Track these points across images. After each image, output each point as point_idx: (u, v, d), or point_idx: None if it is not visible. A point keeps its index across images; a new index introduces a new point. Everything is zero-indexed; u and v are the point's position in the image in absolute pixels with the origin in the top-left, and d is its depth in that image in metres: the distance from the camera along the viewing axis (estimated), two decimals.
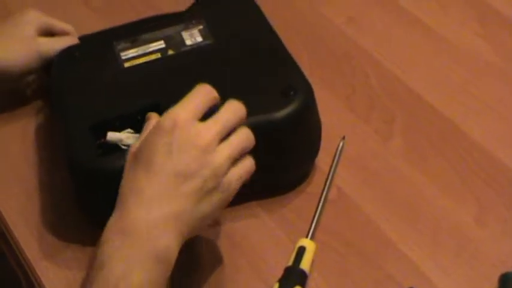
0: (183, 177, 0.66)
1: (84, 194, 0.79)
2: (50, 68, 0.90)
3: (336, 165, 0.85)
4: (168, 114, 0.68)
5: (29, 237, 0.81)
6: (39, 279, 0.77)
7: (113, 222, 0.66)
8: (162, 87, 0.81)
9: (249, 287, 0.76)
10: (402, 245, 0.78)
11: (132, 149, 0.69)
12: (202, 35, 0.86)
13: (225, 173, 0.68)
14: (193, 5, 0.92)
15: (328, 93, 0.92)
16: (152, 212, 0.65)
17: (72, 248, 0.80)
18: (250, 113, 0.74)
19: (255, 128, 0.74)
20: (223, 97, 0.74)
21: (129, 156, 0.69)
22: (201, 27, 0.87)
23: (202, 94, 0.70)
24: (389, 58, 0.99)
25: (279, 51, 0.84)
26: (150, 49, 0.85)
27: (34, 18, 0.92)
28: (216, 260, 0.78)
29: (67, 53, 0.89)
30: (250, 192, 0.81)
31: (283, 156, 0.80)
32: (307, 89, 0.80)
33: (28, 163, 0.88)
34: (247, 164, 0.70)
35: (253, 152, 0.76)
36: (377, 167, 0.86)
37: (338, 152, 0.86)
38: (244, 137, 0.70)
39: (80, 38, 0.92)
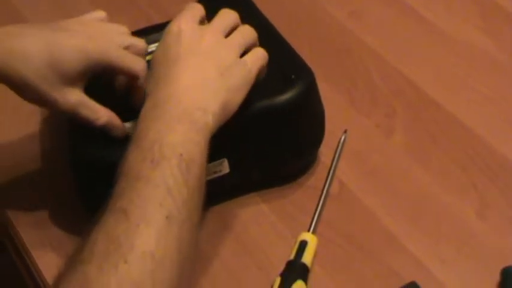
0: (201, 56, 0.71)
1: (87, 185, 0.79)
2: None
3: (338, 159, 0.85)
4: (172, 23, 0.73)
5: (31, 229, 0.81)
6: (39, 271, 0.77)
7: (143, 109, 0.68)
8: None
9: (250, 280, 0.76)
10: (404, 239, 0.78)
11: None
12: None
13: (239, 54, 0.73)
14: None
15: (330, 87, 0.92)
16: (177, 82, 0.69)
17: (75, 240, 0.79)
18: (253, 100, 0.75)
19: (259, 114, 0.76)
20: None
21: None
22: None
23: (192, 6, 0.76)
24: (391, 52, 0.98)
25: (277, 42, 0.85)
26: (151, 49, 0.85)
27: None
28: (217, 254, 0.78)
29: None
30: (255, 181, 0.82)
31: (288, 142, 0.80)
32: (308, 73, 0.81)
33: (31, 156, 0.88)
34: (260, 51, 0.76)
35: (258, 138, 0.76)
36: (379, 161, 0.86)
37: (340, 146, 0.86)
38: (247, 29, 0.76)
39: None
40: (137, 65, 0.73)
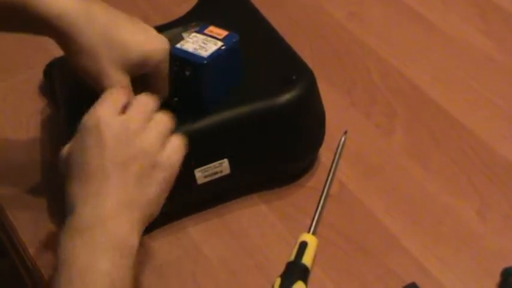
0: (120, 166, 0.67)
1: None
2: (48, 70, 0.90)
3: (338, 160, 0.85)
4: (90, 114, 0.69)
5: (30, 230, 0.81)
6: (39, 271, 0.77)
7: (66, 226, 0.66)
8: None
9: (250, 281, 0.76)
10: (404, 239, 0.78)
11: (64, 153, 0.70)
12: None
13: (159, 151, 0.69)
14: (193, 9, 0.92)
15: (330, 87, 0.92)
16: (102, 206, 0.66)
17: None
18: (254, 100, 0.75)
19: (260, 115, 0.76)
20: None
21: (61, 161, 0.70)
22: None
23: (115, 92, 0.71)
24: (391, 53, 0.98)
25: (277, 43, 0.85)
26: None
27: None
28: (217, 254, 0.78)
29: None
30: (256, 182, 0.82)
31: (290, 142, 0.80)
32: (308, 74, 0.81)
33: (31, 158, 0.88)
34: (176, 143, 0.71)
35: (259, 139, 0.75)
36: (379, 161, 0.86)
37: (340, 147, 0.86)
38: (165, 117, 0.71)
39: None
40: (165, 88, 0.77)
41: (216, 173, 0.78)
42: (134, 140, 0.68)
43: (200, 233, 0.80)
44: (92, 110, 0.69)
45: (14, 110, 0.93)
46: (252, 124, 0.77)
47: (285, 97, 0.78)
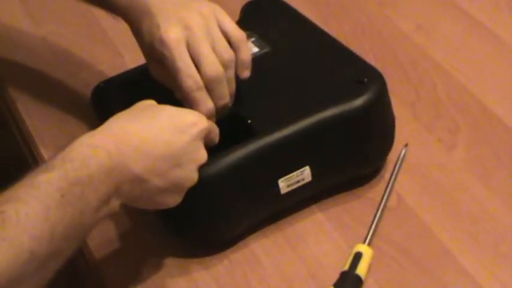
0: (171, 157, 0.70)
1: None
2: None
3: (397, 172, 0.84)
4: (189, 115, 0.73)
5: None
6: None
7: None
8: (238, 96, 0.80)
9: None
10: (461, 257, 0.77)
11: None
12: (257, 46, 0.87)
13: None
14: (238, 21, 0.92)
15: (393, 99, 0.90)
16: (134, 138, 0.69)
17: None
18: (330, 105, 0.77)
19: (337, 119, 0.77)
20: (298, 97, 0.78)
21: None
22: (253, 39, 0.87)
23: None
24: (458, 68, 0.97)
25: (337, 47, 0.85)
26: None
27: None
28: (272, 260, 0.78)
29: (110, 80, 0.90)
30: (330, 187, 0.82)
31: (364, 146, 0.81)
32: (379, 76, 0.81)
33: None
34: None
35: (337, 144, 0.77)
36: (439, 176, 0.85)
37: (400, 159, 0.85)
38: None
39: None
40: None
41: (299, 181, 0.78)
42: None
43: (255, 239, 0.80)
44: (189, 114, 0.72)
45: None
46: (330, 129, 0.77)
47: (361, 99, 0.78)
